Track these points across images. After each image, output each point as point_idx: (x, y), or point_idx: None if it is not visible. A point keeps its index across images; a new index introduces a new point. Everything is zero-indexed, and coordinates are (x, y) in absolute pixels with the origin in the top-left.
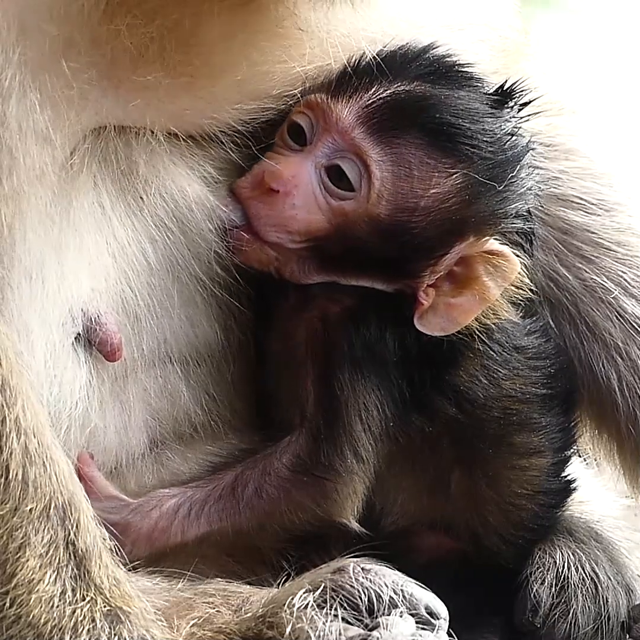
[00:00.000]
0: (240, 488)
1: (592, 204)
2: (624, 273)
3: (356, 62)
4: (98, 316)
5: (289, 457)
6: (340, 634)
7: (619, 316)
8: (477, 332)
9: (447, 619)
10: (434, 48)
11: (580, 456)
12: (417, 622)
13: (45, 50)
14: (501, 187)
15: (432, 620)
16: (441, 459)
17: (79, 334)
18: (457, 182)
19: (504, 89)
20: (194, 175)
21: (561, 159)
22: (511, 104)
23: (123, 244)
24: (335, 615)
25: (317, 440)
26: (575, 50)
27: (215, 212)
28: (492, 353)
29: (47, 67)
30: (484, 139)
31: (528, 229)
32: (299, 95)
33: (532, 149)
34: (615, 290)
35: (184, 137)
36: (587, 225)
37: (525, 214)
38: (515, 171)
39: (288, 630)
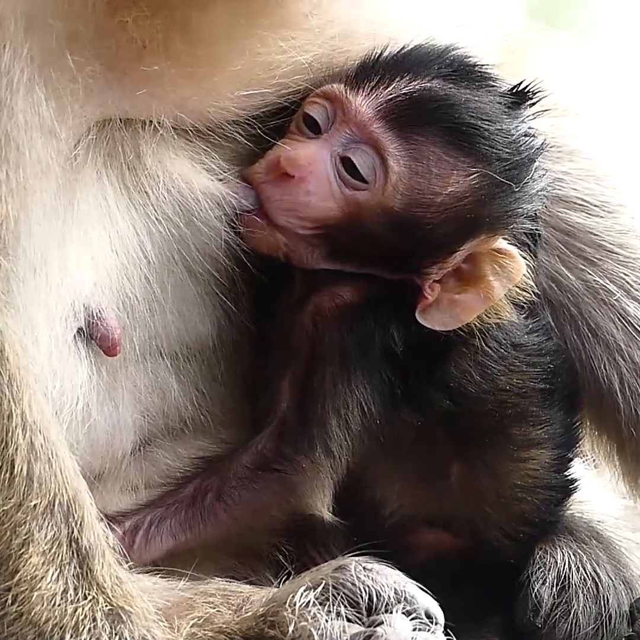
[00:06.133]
0: (201, 496)
1: (595, 205)
2: (627, 275)
3: (376, 57)
4: (100, 311)
5: (249, 456)
6: (343, 631)
7: (621, 318)
8: (477, 330)
9: (443, 624)
10: (454, 48)
11: (580, 457)
12: (415, 623)
13: (51, 44)
14: (517, 188)
15: (430, 624)
16: (438, 450)
17: (80, 329)
18: (475, 181)
19: (520, 89)
20: (201, 167)
21: (564, 161)
22: (527, 104)
23: (124, 238)
24: (337, 613)
25: (282, 434)
26: (578, 50)
27: (224, 200)
28: (488, 349)
29: (52, 61)
30: (502, 140)
31: (535, 230)
32: (305, 85)
33: (545, 151)
34: (618, 292)
35: (190, 129)
36: (589, 227)
37: (533, 214)
38: (530, 172)
39: (291, 628)
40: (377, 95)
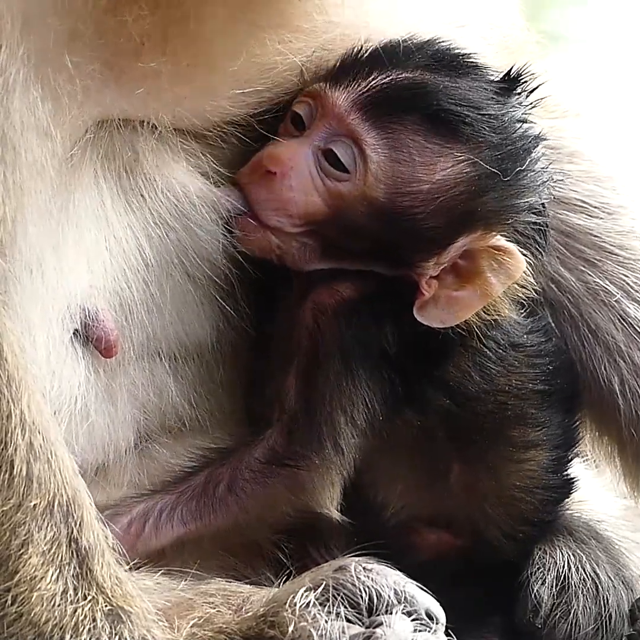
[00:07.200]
0: (212, 486)
1: (595, 207)
2: (627, 276)
3: (357, 51)
4: (96, 313)
5: (261, 450)
6: (342, 632)
7: (621, 319)
8: (476, 328)
9: (445, 624)
10: (437, 40)
11: (580, 457)
12: (416, 624)
13: (48, 43)
14: (511, 180)
15: (431, 624)
16: (438, 450)
17: (76, 330)
18: (465, 170)
19: (511, 75)
20: (197, 171)
21: (564, 162)
22: (519, 90)
23: (121, 240)
24: (337, 614)
25: (291, 431)
26: (579, 53)
27: (219, 203)
28: (486, 350)
29: (50, 61)
30: (489, 125)
31: (541, 225)
32: (300, 87)
33: (543, 140)
34: (618, 293)
35: (187, 130)
36: (589, 228)
37: (537, 209)
38: (526, 163)
39: (291, 629)
40: (354, 87)
